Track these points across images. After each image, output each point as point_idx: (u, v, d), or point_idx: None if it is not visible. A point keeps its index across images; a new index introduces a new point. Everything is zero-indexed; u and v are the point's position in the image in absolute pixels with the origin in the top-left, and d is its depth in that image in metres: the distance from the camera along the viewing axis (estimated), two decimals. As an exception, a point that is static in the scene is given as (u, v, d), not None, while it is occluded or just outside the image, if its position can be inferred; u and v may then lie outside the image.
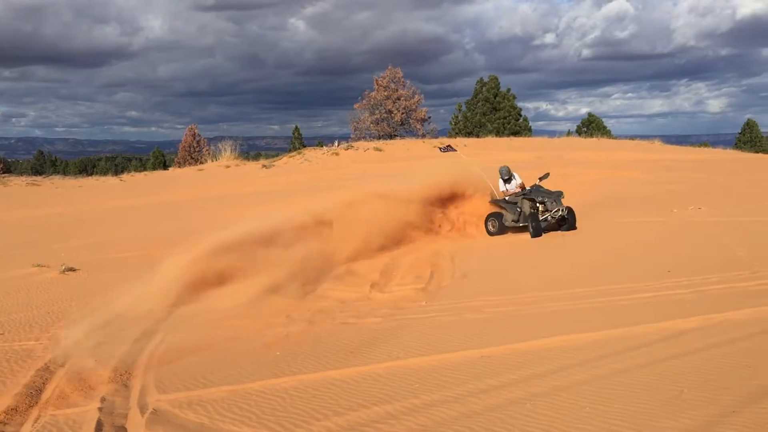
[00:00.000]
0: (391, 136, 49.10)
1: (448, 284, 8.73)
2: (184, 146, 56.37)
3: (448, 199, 13.20)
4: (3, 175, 46.61)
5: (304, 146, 54.31)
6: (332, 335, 6.64)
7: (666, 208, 13.73)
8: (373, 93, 50.14)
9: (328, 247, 10.46)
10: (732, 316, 5.98)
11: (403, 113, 49.95)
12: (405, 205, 12.32)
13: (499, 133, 49.23)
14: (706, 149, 44.97)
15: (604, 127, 54.15)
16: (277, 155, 49.76)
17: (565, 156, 29.67)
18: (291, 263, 9.15)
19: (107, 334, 7.03)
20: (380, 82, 50.08)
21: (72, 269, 10.63)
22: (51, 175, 58.08)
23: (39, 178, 45.74)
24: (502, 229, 12.63)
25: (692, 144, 55.21)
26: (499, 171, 12.91)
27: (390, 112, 49.92)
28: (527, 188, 12.50)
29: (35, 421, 4.88)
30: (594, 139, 45.79)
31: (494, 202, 12.94)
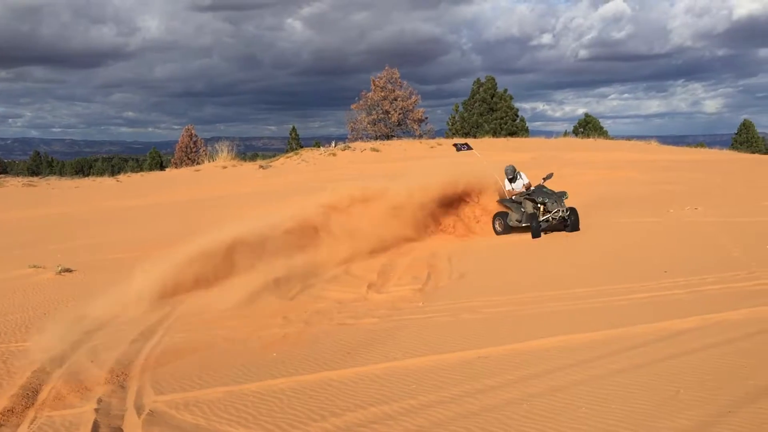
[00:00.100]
0: (388, 137, 49.10)
1: (445, 285, 8.73)
2: (180, 147, 56.30)
3: (453, 200, 13.16)
4: (-1, 175, 46.50)
5: (301, 147, 54.27)
6: (329, 336, 6.64)
7: (663, 208, 13.76)
8: (370, 93, 50.15)
9: (316, 255, 10.38)
10: (729, 316, 5.99)
11: (400, 114, 49.96)
12: (394, 207, 12.25)
13: (496, 133, 49.26)
14: (702, 150, 45.03)
15: (601, 128, 54.23)
16: (274, 156, 49.74)
17: (562, 156, 29.69)
18: (272, 271, 9.13)
19: (101, 337, 7.02)
20: (377, 83, 50.09)
21: (68, 270, 10.61)
22: (47, 175, 58.08)
23: (35, 178, 45.71)
24: (508, 229, 12.61)
25: (689, 144, 55.32)
26: (504, 170, 12.87)
27: (387, 112, 49.94)
28: (532, 188, 12.45)
29: (31, 422, 4.86)
30: (591, 140, 45.84)
31: (501, 201, 12.92)
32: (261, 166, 37.50)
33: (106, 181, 39.04)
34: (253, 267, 9.25)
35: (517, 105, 53.51)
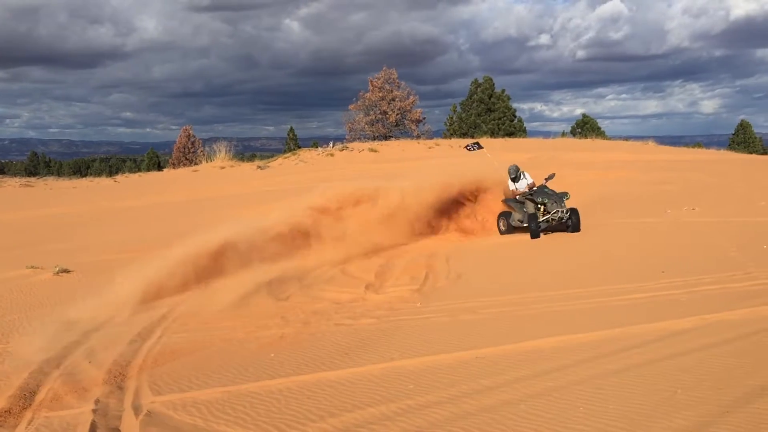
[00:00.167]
0: (386, 137, 49.11)
1: (442, 285, 8.74)
2: (178, 147, 56.24)
3: (452, 201, 13.14)
4: (-4, 176, 46.43)
5: (299, 147, 54.26)
6: (327, 336, 6.64)
7: (660, 208, 13.78)
8: (368, 94, 50.14)
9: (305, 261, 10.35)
10: (726, 316, 6.01)
11: (397, 114, 49.97)
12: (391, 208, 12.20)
13: (493, 134, 49.28)
14: (699, 150, 45.11)
15: (599, 128, 54.28)
16: (272, 156, 49.72)
17: (560, 157, 29.72)
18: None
19: (98, 338, 7.01)
20: (375, 83, 50.08)
21: (66, 271, 10.59)
22: (45, 176, 57.99)
23: (33, 179, 45.64)
24: (511, 229, 12.58)
25: (686, 145, 55.35)
26: (508, 170, 12.83)
27: (385, 113, 49.93)
28: (535, 188, 12.42)
29: (29, 423, 4.85)
30: (588, 140, 45.88)
31: (505, 201, 12.90)
32: (259, 167, 37.49)
33: (104, 182, 39.01)
34: (238, 272, 9.25)
35: (514, 105, 53.61)
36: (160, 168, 57.70)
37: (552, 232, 12.07)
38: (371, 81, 50.35)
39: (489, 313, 6.99)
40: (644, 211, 13.68)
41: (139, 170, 55.61)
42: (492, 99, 52.21)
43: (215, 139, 45.66)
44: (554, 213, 11.82)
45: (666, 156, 33.91)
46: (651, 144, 42.84)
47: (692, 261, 8.64)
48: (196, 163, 46.90)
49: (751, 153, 48.10)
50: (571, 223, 11.93)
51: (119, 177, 41.53)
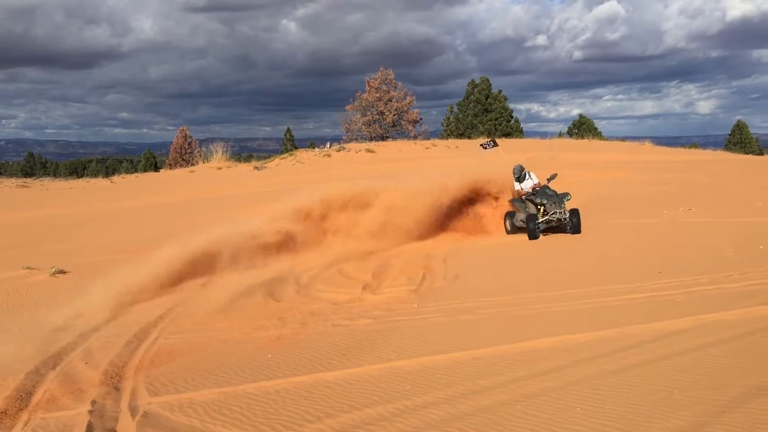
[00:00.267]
0: (382, 138, 49.11)
1: (440, 286, 8.74)
2: (175, 148, 56.19)
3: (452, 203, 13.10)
4: (-7, 176, 46.34)
5: (296, 148, 54.23)
6: (324, 337, 6.63)
7: (657, 209, 13.80)
8: (365, 95, 50.13)
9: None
10: (722, 316, 6.02)
11: (394, 115, 49.96)
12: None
13: (490, 134, 49.27)
14: (696, 150, 45.18)
15: (595, 129, 54.33)
16: (268, 157, 49.72)
17: (557, 157, 29.74)
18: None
19: (95, 340, 7.00)
20: (372, 84, 50.08)
21: (62, 272, 10.56)
22: (41, 177, 57.88)
23: (29, 179, 45.55)
24: (515, 229, 12.49)
25: (682, 145, 55.40)
26: (512, 170, 12.80)
27: (382, 113, 49.93)
28: (537, 188, 12.37)
29: (25, 425, 4.84)
30: (585, 141, 45.95)
31: (512, 201, 12.86)
32: (256, 167, 37.48)
33: (101, 182, 38.96)
34: (225, 275, 9.30)
35: (511, 106, 53.58)
36: (156, 169, 57.66)
37: (551, 232, 12.03)
38: (368, 82, 50.35)
39: (486, 313, 6.99)
40: (641, 211, 13.71)
41: (136, 171, 55.54)
42: (489, 100, 52.24)
43: (212, 140, 45.70)
44: (552, 214, 11.76)
45: (662, 156, 33.99)
46: (648, 144, 42.93)
47: (689, 261, 8.66)
48: (192, 164, 46.87)
49: (747, 153, 48.25)
50: (571, 224, 11.84)
51: (116, 178, 41.48)
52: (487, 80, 53.15)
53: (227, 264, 9.67)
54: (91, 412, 4.97)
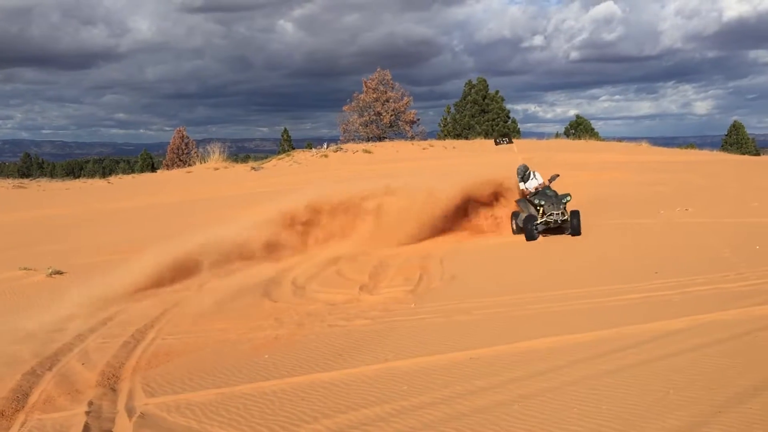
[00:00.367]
0: (380, 138, 49.15)
1: (437, 286, 8.74)
2: (172, 148, 56.16)
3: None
4: (-11, 177, 46.20)
5: (293, 148, 54.26)
6: (321, 338, 6.63)
7: (653, 209, 13.83)
8: (362, 95, 50.17)
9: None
10: (719, 316, 6.04)
11: (392, 115, 50.01)
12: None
13: (487, 135, 49.32)
14: (692, 151, 45.28)
15: (592, 129, 54.43)
16: (266, 157, 49.65)
17: (554, 157, 29.77)
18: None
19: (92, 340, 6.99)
20: (369, 84, 50.12)
21: (59, 272, 10.54)
22: (38, 177, 57.74)
23: (26, 180, 45.43)
24: (519, 229, 12.37)
25: (679, 146, 55.56)
26: (516, 170, 12.74)
27: (379, 114, 49.97)
28: (540, 188, 12.32)
29: (21, 426, 4.83)
30: (582, 141, 46.02)
31: (517, 201, 12.81)
32: (253, 168, 37.45)
33: (97, 183, 38.88)
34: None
35: (508, 106, 53.81)
36: (153, 169, 57.62)
37: (551, 234, 11.97)
38: (365, 82, 50.40)
39: (483, 313, 6.99)
40: (638, 211, 13.73)
41: (133, 171, 55.52)
42: (486, 100, 52.32)
43: (209, 141, 45.60)
44: (550, 215, 11.71)
45: (659, 157, 34.06)
46: (644, 145, 43.02)
47: (685, 262, 8.68)
48: (189, 165, 46.79)
49: (743, 154, 48.40)
50: (571, 225, 11.73)
51: (112, 178, 41.40)
52: (484, 81, 53.25)
53: (210, 269, 9.71)
54: (87, 413, 4.96)
